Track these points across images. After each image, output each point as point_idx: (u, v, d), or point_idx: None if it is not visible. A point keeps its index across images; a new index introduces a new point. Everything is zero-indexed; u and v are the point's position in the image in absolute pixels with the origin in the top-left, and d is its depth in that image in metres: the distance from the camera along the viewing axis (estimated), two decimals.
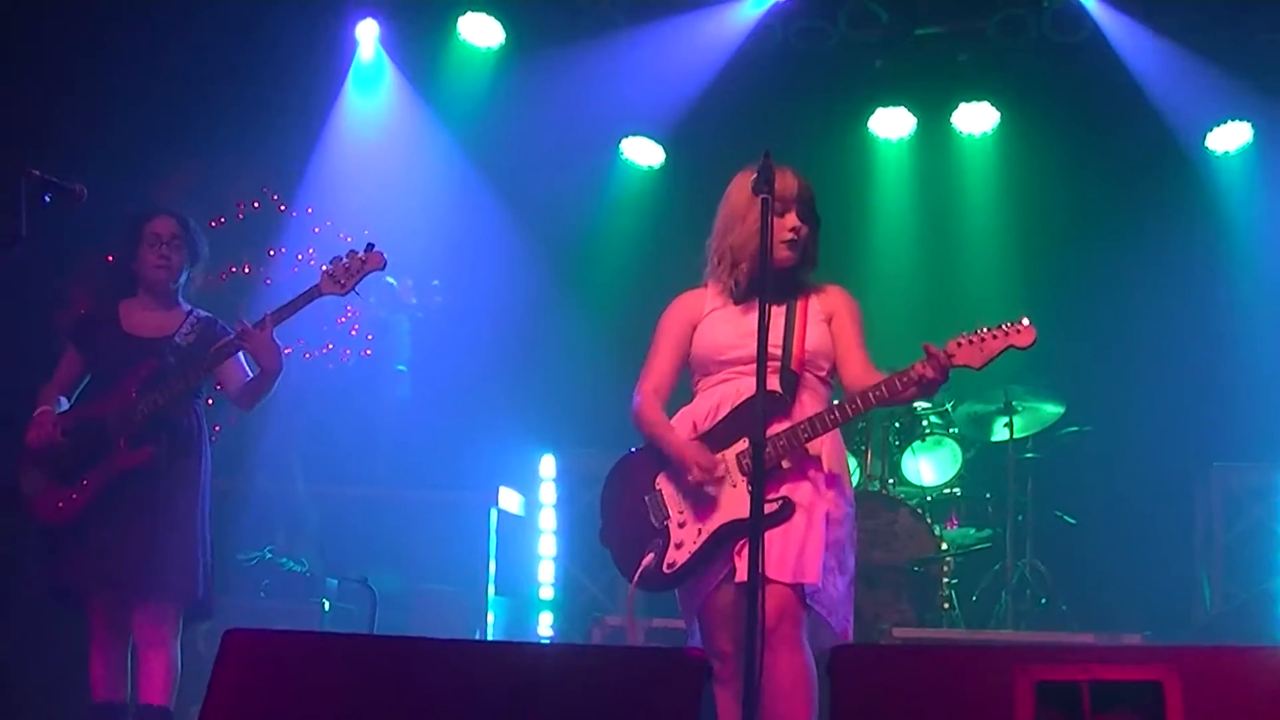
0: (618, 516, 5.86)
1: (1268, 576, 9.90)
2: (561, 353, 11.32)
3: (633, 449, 5.93)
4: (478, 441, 10.54)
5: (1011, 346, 5.35)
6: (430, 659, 4.23)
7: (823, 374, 5.74)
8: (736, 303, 5.78)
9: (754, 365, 5.43)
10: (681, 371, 5.91)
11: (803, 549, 5.40)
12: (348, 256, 6.80)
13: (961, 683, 3.97)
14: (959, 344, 5.39)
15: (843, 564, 5.58)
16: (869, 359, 5.75)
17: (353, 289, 6.82)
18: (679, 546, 5.58)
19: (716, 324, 5.79)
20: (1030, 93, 11.57)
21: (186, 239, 7.10)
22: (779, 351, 5.57)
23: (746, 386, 5.55)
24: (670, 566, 5.58)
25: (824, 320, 5.77)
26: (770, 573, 5.20)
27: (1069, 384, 10.49)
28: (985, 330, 5.37)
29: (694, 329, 5.84)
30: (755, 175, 5.19)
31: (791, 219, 5.61)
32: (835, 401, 5.60)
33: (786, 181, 5.54)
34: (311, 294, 6.82)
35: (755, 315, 5.42)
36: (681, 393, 5.91)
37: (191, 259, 7.15)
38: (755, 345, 5.38)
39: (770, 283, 5.28)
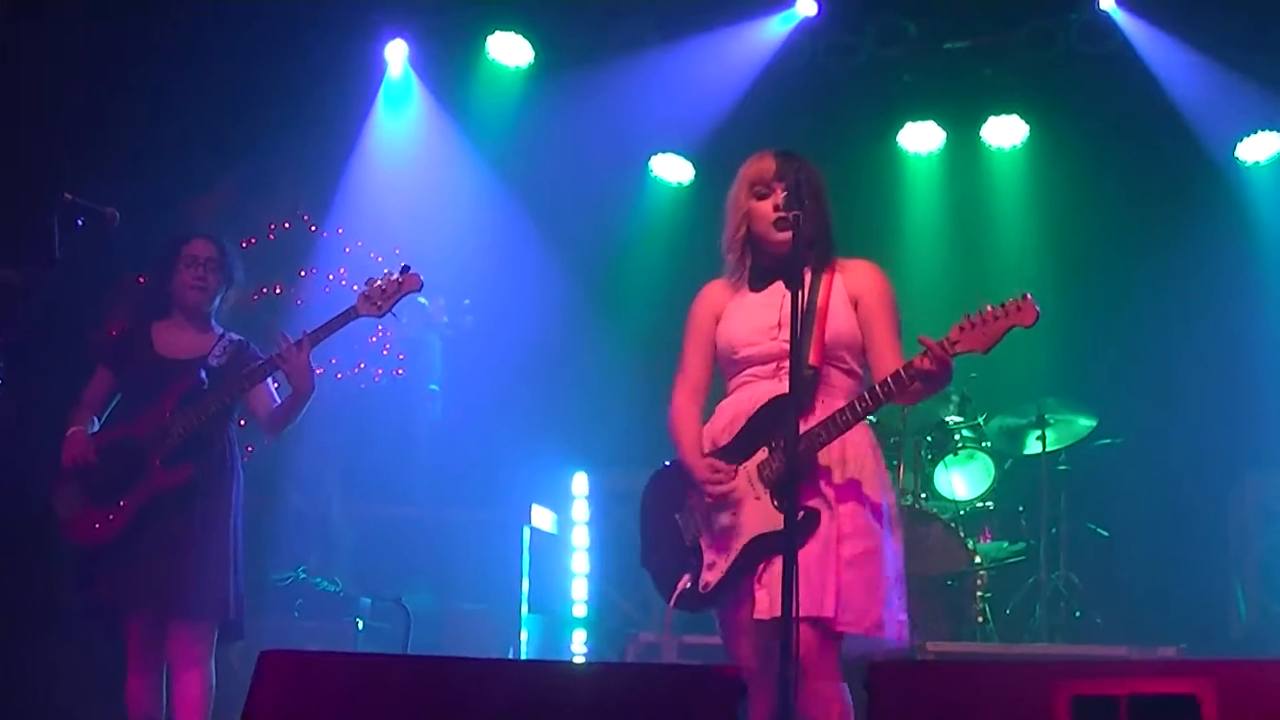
0: (653, 537, 5.75)
1: None
2: (593, 370, 11.33)
3: (665, 463, 5.81)
4: (510, 460, 10.54)
5: (1016, 326, 5.10)
6: (464, 678, 4.24)
7: (847, 365, 5.52)
8: (752, 289, 5.64)
9: (768, 366, 5.48)
10: (715, 366, 5.76)
11: (816, 578, 5.19)
12: (384, 278, 6.83)
13: (999, 697, 3.97)
14: (961, 328, 5.15)
15: (888, 573, 5.38)
16: (899, 350, 5.48)
17: (389, 310, 6.85)
18: (711, 566, 5.45)
19: (733, 315, 5.65)
20: (1059, 105, 11.55)
21: (222, 262, 7.15)
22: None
23: (762, 392, 5.47)
24: (705, 587, 5.45)
25: (849, 303, 5.55)
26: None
27: (1101, 396, 10.49)
28: (988, 310, 5.13)
29: (718, 321, 5.70)
30: (784, 196, 5.24)
31: (776, 198, 5.38)
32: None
33: (763, 164, 5.47)
34: (348, 315, 6.85)
35: (767, 304, 5.52)
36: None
37: (227, 282, 7.19)
38: (768, 343, 5.44)
39: (774, 263, 5.40)
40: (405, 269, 6.85)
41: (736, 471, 5.45)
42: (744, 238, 5.62)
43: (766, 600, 5.25)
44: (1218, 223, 10.93)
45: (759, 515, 5.38)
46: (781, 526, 5.14)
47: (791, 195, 5.18)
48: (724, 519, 5.45)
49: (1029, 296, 5.14)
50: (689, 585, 5.51)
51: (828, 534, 5.28)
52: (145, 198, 7.73)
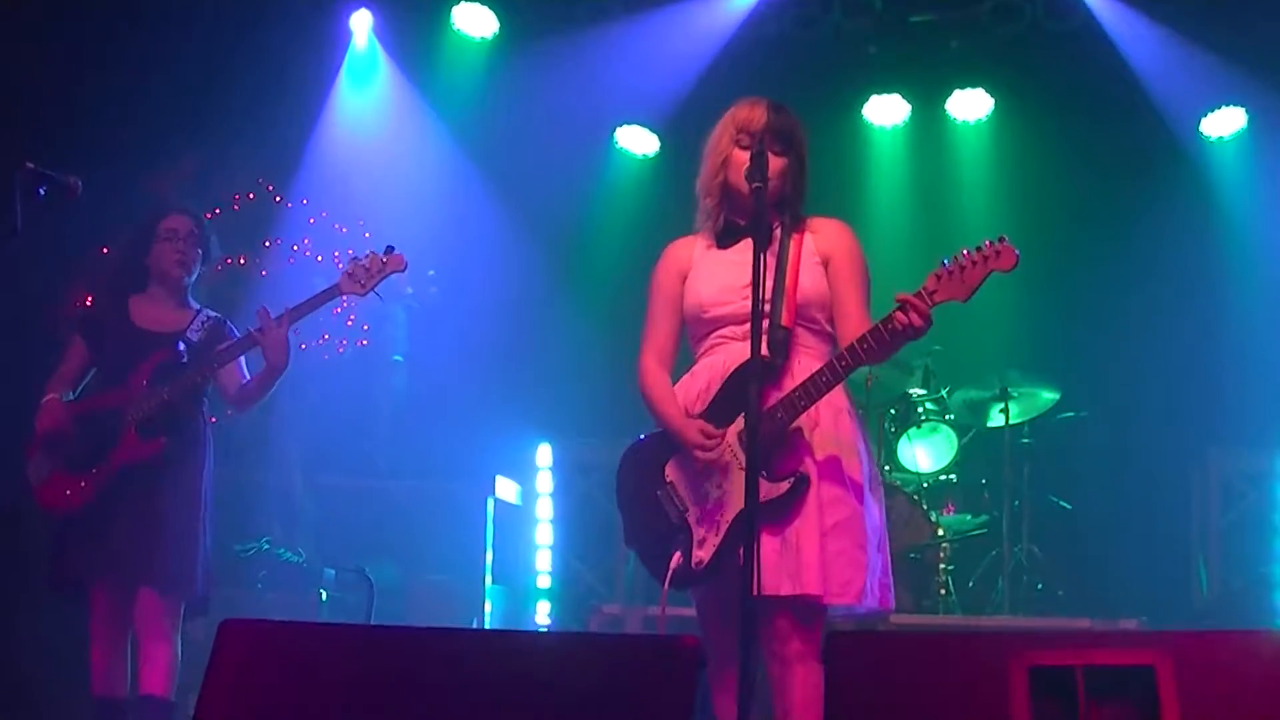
0: (636, 515, 5.53)
1: (1264, 561, 9.88)
2: (557, 342, 11.32)
3: (641, 436, 5.62)
4: (474, 431, 10.53)
5: (994, 271, 5.00)
6: (427, 649, 4.24)
7: (818, 326, 5.39)
8: (720, 247, 5.47)
9: (741, 327, 5.27)
10: (682, 328, 5.58)
11: (800, 555, 5.08)
12: (368, 257, 6.80)
13: (957, 669, 3.98)
14: (938, 277, 5.01)
15: (870, 537, 5.31)
16: (867, 313, 5.36)
17: (373, 290, 6.83)
18: (702, 543, 5.25)
19: (701, 273, 5.49)
20: (1024, 79, 11.56)
21: (200, 237, 7.13)
22: (766, 308, 5.07)
23: (734, 355, 5.29)
24: (699, 564, 5.25)
25: (819, 263, 5.41)
26: (769, 588, 4.90)
27: (1065, 370, 10.51)
28: (964, 255, 5.02)
29: (684, 280, 5.54)
30: (748, 164, 5.11)
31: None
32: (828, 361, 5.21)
33: (755, 113, 5.31)
34: (331, 293, 6.84)
35: (737, 262, 5.30)
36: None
37: (204, 257, 7.17)
38: (740, 302, 5.24)
39: (745, 219, 5.31)
40: (390, 249, 6.80)
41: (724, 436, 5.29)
42: (721, 183, 5.44)
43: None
44: (1182, 198, 10.95)
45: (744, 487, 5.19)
46: (772, 496, 5.06)
47: (756, 165, 5.07)
48: (710, 492, 5.29)
49: (1006, 239, 5.03)
50: (681, 563, 5.30)
51: (808, 504, 5.15)
52: (107, 170, 7.68)
